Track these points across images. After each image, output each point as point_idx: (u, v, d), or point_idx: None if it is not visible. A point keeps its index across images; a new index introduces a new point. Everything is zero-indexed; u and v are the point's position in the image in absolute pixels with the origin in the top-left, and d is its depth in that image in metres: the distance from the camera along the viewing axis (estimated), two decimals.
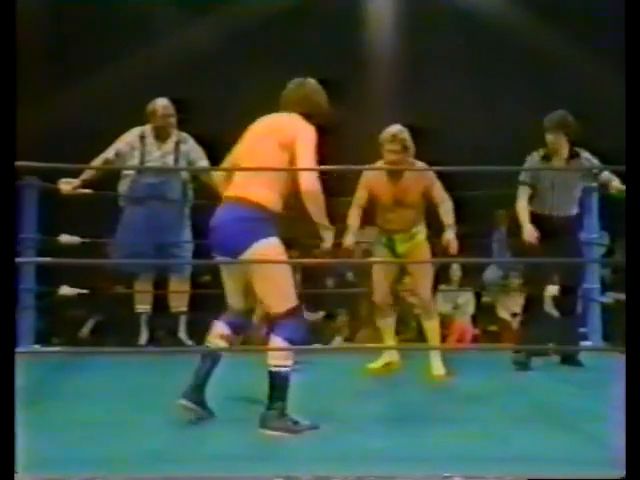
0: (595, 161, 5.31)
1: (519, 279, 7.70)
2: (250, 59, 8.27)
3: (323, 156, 3.53)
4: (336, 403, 3.89)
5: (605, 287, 6.63)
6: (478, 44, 8.26)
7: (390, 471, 2.59)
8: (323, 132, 3.57)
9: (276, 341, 3.33)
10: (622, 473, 2.36)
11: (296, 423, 3.29)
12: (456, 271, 7.67)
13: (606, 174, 5.19)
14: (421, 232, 4.99)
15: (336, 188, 4.28)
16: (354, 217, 4.93)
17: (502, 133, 8.10)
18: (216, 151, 5.92)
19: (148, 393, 4.16)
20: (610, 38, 6.40)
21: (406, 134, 4.78)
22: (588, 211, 6.12)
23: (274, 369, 3.29)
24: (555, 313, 7.59)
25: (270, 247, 3.33)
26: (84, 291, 5.92)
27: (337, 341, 7.22)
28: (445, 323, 7.45)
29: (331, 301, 7.44)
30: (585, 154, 5.33)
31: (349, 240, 4.84)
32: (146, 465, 2.73)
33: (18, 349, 5.44)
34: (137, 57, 8.33)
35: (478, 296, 7.87)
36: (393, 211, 4.90)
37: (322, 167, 3.57)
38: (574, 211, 5.42)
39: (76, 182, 5.49)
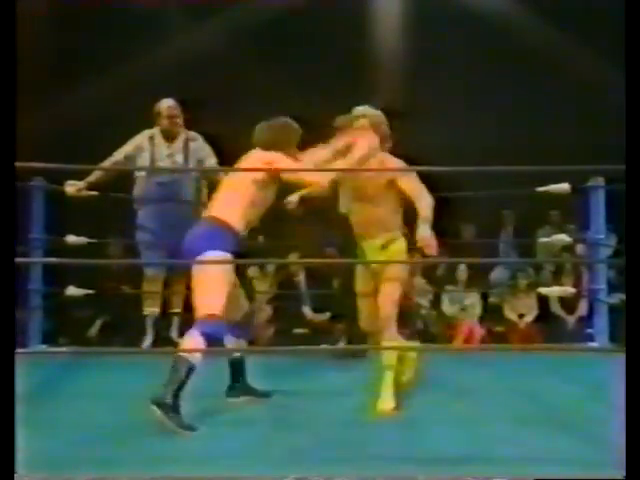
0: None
1: (526, 279, 7.71)
2: (256, 60, 8.28)
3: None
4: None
5: (611, 288, 6.61)
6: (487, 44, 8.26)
7: (395, 471, 2.59)
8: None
9: (192, 335, 3.57)
10: (623, 473, 2.36)
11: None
12: (463, 272, 7.65)
13: None
14: (397, 240, 3.97)
15: None
16: None
17: (507, 133, 8.09)
18: (223, 150, 5.98)
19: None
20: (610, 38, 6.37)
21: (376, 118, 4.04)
22: (594, 211, 6.11)
23: (179, 358, 3.52)
24: (562, 314, 7.61)
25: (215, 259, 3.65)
26: (91, 291, 5.93)
27: (342, 343, 7.17)
28: (452, 324, 7.45)
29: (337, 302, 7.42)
30: None
31: None
32: (149, 466, 2.73)
33: (25, 349, 5.47)
34: (145, 58, 8.34)
35: (485, 297, 7.85)
36: (353, 210, 4.05)
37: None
38: None
39: (81, 184, 5.52)
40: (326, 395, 4.16)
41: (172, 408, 3.39)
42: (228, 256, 3.67)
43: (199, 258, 3.64)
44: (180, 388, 3.44)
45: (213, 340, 3.57)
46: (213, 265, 3.65)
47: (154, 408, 3.37)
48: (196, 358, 3.50)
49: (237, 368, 4.03)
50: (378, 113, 4.04)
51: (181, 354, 3.55)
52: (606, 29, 7.12)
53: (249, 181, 3.79)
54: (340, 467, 2.67)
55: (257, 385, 4.06)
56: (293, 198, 4.25)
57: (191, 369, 3.48)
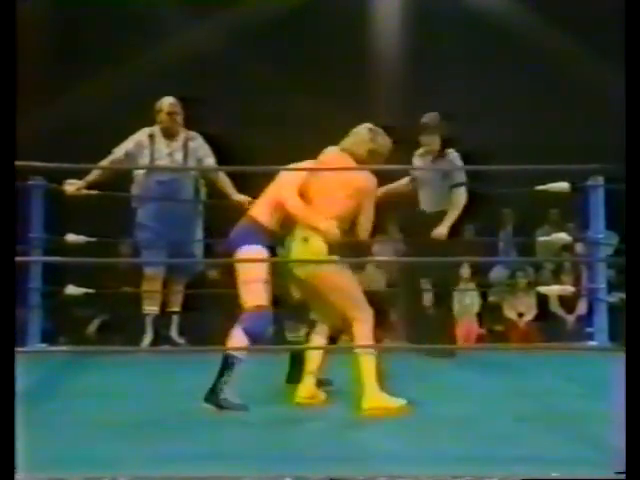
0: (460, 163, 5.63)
1: (526, 278, 7.71)
2: (257, 58, 8.28)
3: None
4: None
5: (611, 287, 6.62)
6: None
7: (396, 471, 2.59)
8: None
9: (236, 331, 3.74)
10: (622, 472, 2.36)
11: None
12: (466, 269, 7.65)
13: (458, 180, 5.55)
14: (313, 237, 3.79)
15: None
16: None
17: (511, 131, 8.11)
18: (222, 149, 5.98)
19: (153, 393, 4.17)
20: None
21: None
22: (594, 210, 6.11)
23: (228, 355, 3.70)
24: (561, 313, 7.62)
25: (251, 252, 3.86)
26: (90, 290, 5.93)
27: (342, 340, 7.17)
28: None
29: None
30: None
31: None
32: (149, 465, 2.73)
33: (25, 348, 5.47)
34: (145, 56, 8.34)
35: (484, 296, 7.86)
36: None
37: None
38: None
39: (80, 183, 5.53)
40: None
41: (222, 401, 3.63)
42: (263, 250, 3.87)
43: (237, 253, 3.87)
44: (228, 382, 3.65)
45: (256, 336, 3.74)
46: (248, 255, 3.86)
47: (207, 405, 3.63)
48: (242, 353, 3.70)
49: (296, 356, 4.14)
50: (363, 139, 3.91)
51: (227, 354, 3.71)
52: (607, 29, 7.14)
53: (279, 186, 3.96)
54: (340, 467, 2.67)
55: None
56: None
57: (237, 363, 3.67)
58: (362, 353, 3.71)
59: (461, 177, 5.60)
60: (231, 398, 3.67)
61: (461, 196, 5.61)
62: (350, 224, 3.85)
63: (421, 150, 5.80)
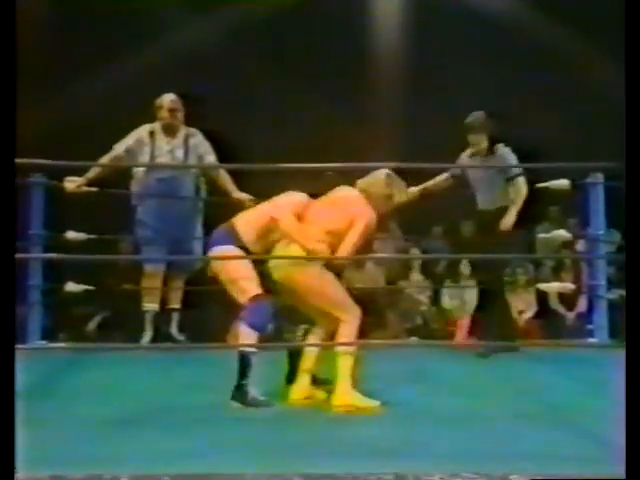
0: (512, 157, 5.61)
1: (526, 275, 7.70)
2: (256, 57, 8.27)
3: None
4: None
5: (611, 284, 6.62)
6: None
7: (396, 469, 2.59)
8: None
9: (241, 328, 3.83)
10: (622, 470, 2.36)
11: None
12: (466, 266, 7.64)
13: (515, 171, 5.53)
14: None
15: None
16: None
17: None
18: (222, 147, 5.98)
19: (153, 389, 4.17)
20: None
21: None
22: (593, 207, 6.11)
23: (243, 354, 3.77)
24: (561, 310, 7.61)
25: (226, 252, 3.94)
26: (90, 287, 5.93)
27: None
28: (452, 319, 7.45)
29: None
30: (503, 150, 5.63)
31: None
32: (149, 463, 2.73)
33: (25, 345, 5.47)
34: (144, 53, 8.33)
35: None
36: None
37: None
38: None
39: (80, 181, 5.54)
40: None
41: (250, 399, 3.72)
42: (237, 250, 3.91)
43: (211, 253, 3.99)
44: (249, 376, 3.73)
45: (260, 326, 3.81)
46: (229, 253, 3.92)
47: (235, 404, 3.70)
48: (248, 350, 3.76)
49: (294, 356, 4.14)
50: (380, 183, 3.99)
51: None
52: (607, 28, 7.13)
53: (274, 205, 4.01)
54: (340, 464, 2.67)
55: None
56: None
57: (253, 357, 3.75)
58: (341, 352, 3.76)
59: (516, 169, 5.56)
60: (256, 395, 3.75)
61: (522, 186, 5.56)
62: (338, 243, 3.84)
63: (469, 151, 5.76)
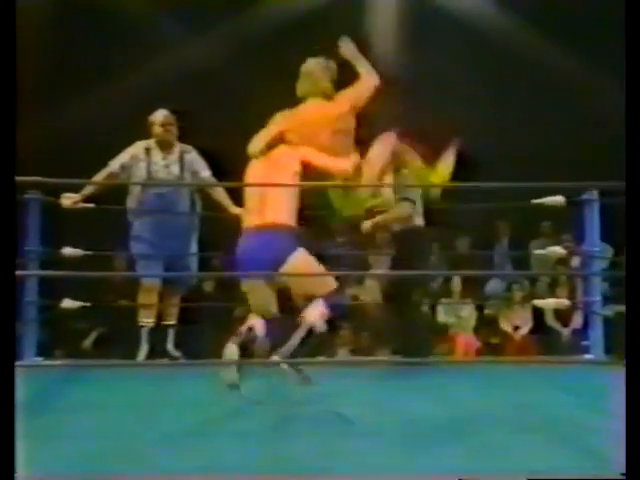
0: None
1: (521, 291, 7.73)
2: (254, 72, 8.30)
3: None
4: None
5: (606, 300, 6.64)
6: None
7: (395, 473, 2.59)
8: None
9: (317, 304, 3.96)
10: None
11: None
12: (457, 284, 7.68)
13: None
14: None
15: None
16: None
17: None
18: (217, 163, 6.00)
19: (149, 406, 4.16)
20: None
21: None
22: (588, 224, 6.13)
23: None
24: (557, 326, 7.63)
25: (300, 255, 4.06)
26: (87, 304, 5.93)
27: (341, 354, 7.18)
28: (448, 336, 7.46)
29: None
30: None
31: None
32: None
33: (21, 362, 5.46)
34: (141, 70, 8.37)
35: (480, 309, 7.87)
36: None
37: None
38: None
39: (77, 197, 5.56)
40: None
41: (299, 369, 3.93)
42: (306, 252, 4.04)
43: (287, 262, 3.98)
44: (305, 347, 3.91)
45: (336, 309, 4.03)
46: (303, 258, 4.02)
47: (284, 367, 3.88)
48: (318, 322, 3.93)
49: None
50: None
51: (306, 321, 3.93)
52: (605, 42, 7.19)
53: (289, 176, 4.10)
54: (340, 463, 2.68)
55: None
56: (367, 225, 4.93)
57: (313, 331, 3.92)
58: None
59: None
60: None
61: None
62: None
63: None
